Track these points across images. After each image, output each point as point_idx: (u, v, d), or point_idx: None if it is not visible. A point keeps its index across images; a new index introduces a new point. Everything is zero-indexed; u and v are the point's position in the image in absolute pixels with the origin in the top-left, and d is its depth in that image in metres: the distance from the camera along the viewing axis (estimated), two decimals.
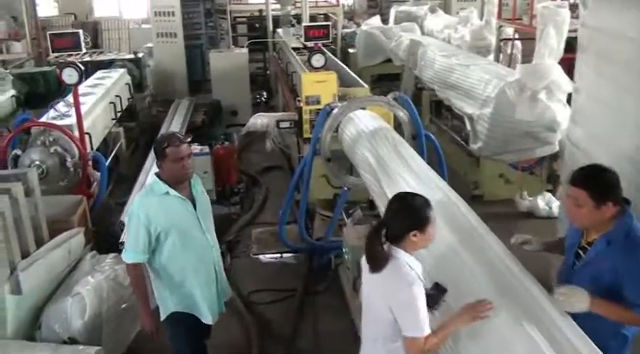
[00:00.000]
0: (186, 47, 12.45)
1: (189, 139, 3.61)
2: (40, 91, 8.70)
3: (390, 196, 4.09)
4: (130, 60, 10.42)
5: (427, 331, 2.63)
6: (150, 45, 12.74)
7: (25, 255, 4.37)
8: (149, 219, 3.45)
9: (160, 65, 12.23)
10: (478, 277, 2.86)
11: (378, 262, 2.70)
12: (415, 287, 2.63)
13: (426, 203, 2.75)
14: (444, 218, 3.25)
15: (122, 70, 9.28)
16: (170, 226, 3.50)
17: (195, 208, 3.59)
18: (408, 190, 3.61)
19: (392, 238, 2.73)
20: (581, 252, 3.04)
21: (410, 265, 2.69)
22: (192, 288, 3.61)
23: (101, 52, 12.19)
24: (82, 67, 5.72)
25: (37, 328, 4.28)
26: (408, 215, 2.71)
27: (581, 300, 2.72)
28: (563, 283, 2.87)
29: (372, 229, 2.76)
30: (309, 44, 7.06)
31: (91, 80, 8.50)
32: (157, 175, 3.56)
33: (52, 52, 5.74)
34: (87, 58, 10.56)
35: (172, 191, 3.51)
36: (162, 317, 3.69)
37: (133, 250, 3.51)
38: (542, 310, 2.57)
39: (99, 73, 9.01)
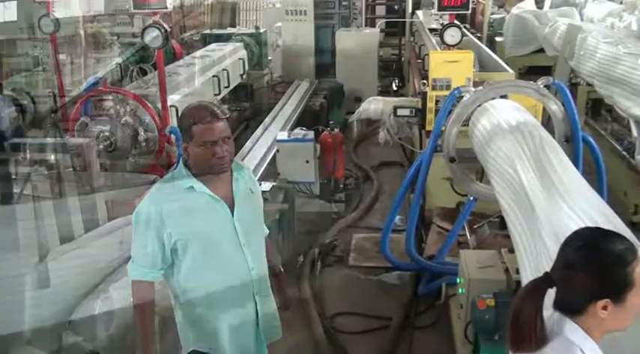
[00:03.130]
0: (317, 27, 11.53)
1: (226, 115, 2.48)
2: (151, 61, 8.14)
3: (536, 218, 2.89)
4: (250, 35, 9.65)
5: None
6: (280, 24, 12.06)
7: (67, 239, 3.72)
8: (162, 221, 2.42)
9: (288, 44, 11.48)
10: None
11: (527, 340, 1.61)
12: None
13: (628, 252, 1.60)
14: None
15: (237, 44, 8.52)
16: (190, 234, 2.46)
17: (232, 213, 2.52)
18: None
19: (564, 306, 1.66)
20: None
21: None
22: (218, 325, 2.54)
23: None
24: (168, 28, 4.89)
25: (66, 328, 3.54)
26: (596, 272, 1.60)
27: None
28: None
29: (530, 285, 1.68)
30: (444, 15, 5.84)
31: (199, 51, 7.86)
32: (184, 161, 2.53)
33: (134, 8, 4.96)
34: (206, 32, 10.06)
35: (200, 186, 2.47)
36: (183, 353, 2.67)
37: (139, 263, 2.51)
38: None
39: (211, 46, 8.37)
